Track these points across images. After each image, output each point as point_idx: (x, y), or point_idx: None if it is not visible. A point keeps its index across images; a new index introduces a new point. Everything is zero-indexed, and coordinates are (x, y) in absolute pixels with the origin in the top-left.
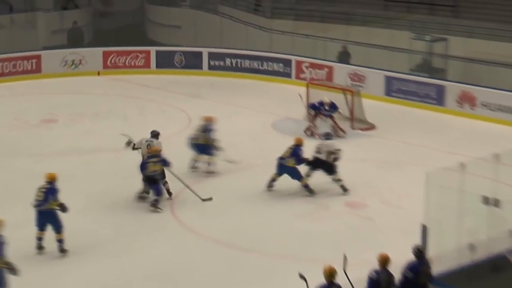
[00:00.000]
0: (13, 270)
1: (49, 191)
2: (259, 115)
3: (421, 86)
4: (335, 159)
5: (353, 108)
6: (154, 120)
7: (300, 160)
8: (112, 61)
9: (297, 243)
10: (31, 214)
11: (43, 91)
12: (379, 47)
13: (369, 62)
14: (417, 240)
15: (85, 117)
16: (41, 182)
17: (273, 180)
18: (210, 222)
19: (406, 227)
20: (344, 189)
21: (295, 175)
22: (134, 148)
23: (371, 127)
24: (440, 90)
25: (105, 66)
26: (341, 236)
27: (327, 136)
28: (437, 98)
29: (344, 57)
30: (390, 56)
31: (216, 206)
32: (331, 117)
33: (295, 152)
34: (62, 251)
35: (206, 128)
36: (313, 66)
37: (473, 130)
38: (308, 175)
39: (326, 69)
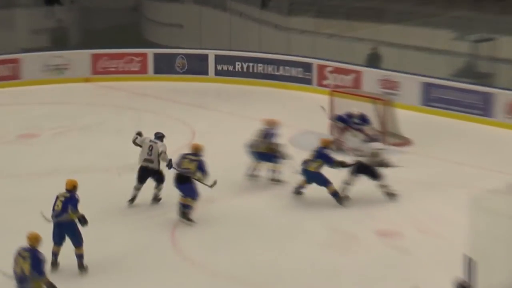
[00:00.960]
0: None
1: (69, 200)
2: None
3: (464, 94)
4: (382, 162)
5: (385, 120)
6: (152, 134)
7: (329, 161)
8: (103, 65)
9: (320, 280)
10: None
11: (22, 100)
12: (415, 49)
13: (403, 66)
14: (460, 275)
15: (71, 131)
16: (20, 207)
17: (301, 187)
18: (217, 253)
19: (448, 260)
20: (391, 195)
21: (319, 180)
22: (135, 143)
23: (406, 142)
24: (487, 99)
25: (94, 71)
26: (372, 272)
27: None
28: (484, 108)
29: (374, 61)
30: (428, 59)
31: (225, 232)
32: (362, 131)
33: (320, 154)
34: (82, 267)
35: (268, 133)
36: (337, 71)
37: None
38: (348, 183)
39: (353, 75)
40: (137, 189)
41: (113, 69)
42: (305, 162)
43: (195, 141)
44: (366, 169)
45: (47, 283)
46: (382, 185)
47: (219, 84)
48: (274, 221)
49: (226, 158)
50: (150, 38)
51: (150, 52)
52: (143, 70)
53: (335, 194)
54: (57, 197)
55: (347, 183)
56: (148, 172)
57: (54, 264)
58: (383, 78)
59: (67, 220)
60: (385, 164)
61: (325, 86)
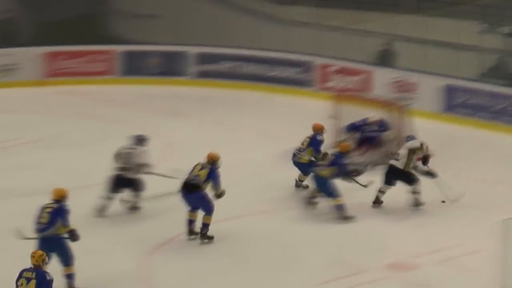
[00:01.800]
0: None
1: (57, 211)
2: (267, 141)
3: (495, 99)
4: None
5: (400, 130)
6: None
7: (342, 168)
8: (60, 66)
9: None
10: None
11: None
12: (436, 44)
13: (422, 64)
14: None
15: (23, 145)
16: None
17: (313, 196)
18: None
19: None
20: (418, 204)
21: (326, 189)
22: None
23: (426, 155)
24: None
25: (49, 73)
26: None
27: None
28: None
29: (387, 58)
30: (452, 56)
31: (207, 264)
32: (376, 145)
33: (335, 161)
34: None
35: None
36: (343, 71)
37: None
38: (382, 191)
39: (361, 76)
40: (108, 198)
41: (72, 71)
42: (316, 166)
43: (175, 155)
44: (400, 174)
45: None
46: (416, 191)
47: (201, 88)
48: (267, 249)
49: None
50: (117, 32)
51: (117, 49)
52: (109, 71)
53: (339, 207)
54: (42, 208)
55: (381, 191)
56: (124, 181)
57: None
58: (398, 80)
59: (54, 235)
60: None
61: (328, 89)
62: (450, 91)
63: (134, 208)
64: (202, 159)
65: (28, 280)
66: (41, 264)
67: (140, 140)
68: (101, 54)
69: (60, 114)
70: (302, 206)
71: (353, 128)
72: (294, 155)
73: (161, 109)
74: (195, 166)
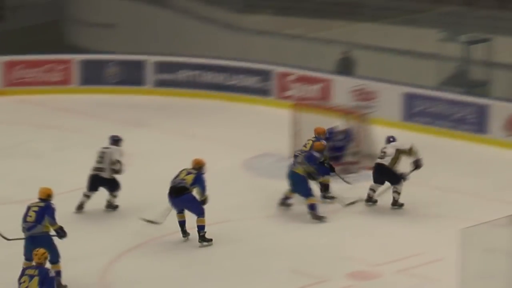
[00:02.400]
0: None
1: (44, 210)
2: (226, 151)
3: (454, 107)
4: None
5: (359, 139)
6: (79, 158)
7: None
8: (17, 75)
9: None
10: None
11: None
12: (396, 52)
13: (381, 73)
14: None
15: None
16: None
17: (287, 197)
18: None
19: None
20: (399, 205)
21: (302, 188)
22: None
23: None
24: (482, 112)
25: (6, 82)
26: None
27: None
28: (478, 123)
29: (346, 67)
30: (411, 64)
31: (166, 275)
32: (341, 157)
33: (310, 157)
34: (60, 286)
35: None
36: (302, 79)
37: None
38: (373, 189)
39: (321, 84)
40: (86, 196)
41: (30, 80)
42: (293, 164)
43: (135, 164)
44: (386, 172)
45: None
46: (397, 191)
47: (160, 97)
48: (230, 258)
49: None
50: (75, 41)
51: (75, 58)
52: (67, 80)
53: (312, 207)
54: (28, 208)
55: (372, 189)
56: (99, 180)
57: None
58: (357, 88)
59: (41, 233)
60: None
61: (287, 98)
62: (410, 99)
63: (111, 207)
64: (157, 169)
65: (31, 277)
66: (43, 261)
67: (115, 141)
68: (60, 63)
69: (19, 123)
70: (276, 207)
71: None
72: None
73: (120, 118)
74: (181, 171)
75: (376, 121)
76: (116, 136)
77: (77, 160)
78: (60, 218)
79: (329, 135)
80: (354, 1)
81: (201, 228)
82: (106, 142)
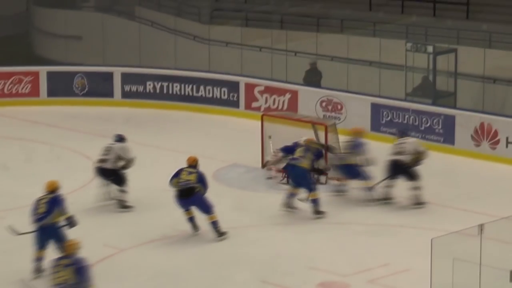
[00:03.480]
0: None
1: (54, 201)
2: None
3: (421, 117)
4: (418, 161)
5: (327, 150)
6: (47, 170)
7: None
8: None
9: None
10: None
11: None
12: (363, 63)
13: (348, 84)
14: None
15: None
16: None
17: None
18: None
19: None
20: (421, 203)
21: (305, 181)
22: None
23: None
24: (448, 122)
25: None
26: None
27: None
28: (444, 133)
29: (313, 78)
30: (378, 75)
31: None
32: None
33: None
34: None
35: (355, 144)
36: (269, 90)
37: (495, 178)
38: (390, 186)
39: (288, 95)
40: (103, 186)
41: None
42: (295, 158)
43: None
44: (404, 169)
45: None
46: (417, 188)
47: (127, 108)
48: (195, 269)
49: (140, 197)
50: (42, 53)
51: (42, 70)
52: (34, 92)
53: (315, 201)
54: (38, 200)
55: (388, 186)
56: (103, 172)
57: (38, 270)
58: (324, 99)
59: (51, 223)
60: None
61: (254, 109)
62: (376, 110)
63: (123, 206)
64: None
65: (66, 266)
66: (75, 251)
67: (120, 139)
68: (26, 75)
69: None
70: (282, 211)
71: (285, 150)
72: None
73: (88, 130)
74: (181, 172)
75: (342, 132)
76: (121, 135)
77: (45, 172)
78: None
79: (294, 147)
80: (321, 12)
81: (215, 223)
82: (75, 154)
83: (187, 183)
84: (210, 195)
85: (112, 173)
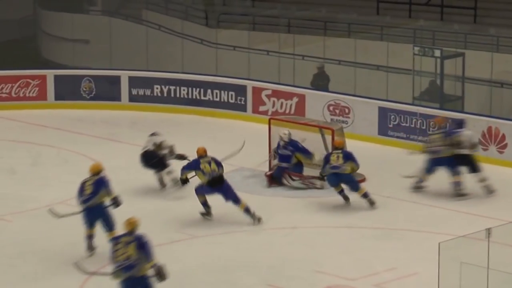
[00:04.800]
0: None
1: (100, 182)
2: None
3: (428, 121)
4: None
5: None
6: (54, 173)
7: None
8: None
9: None
10: None
11: None
12: (370, 67)
13: (356, 88)
14: None
15: None
16: None
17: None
18: None
19: None
20: (491, 191)
21: (353, 184)
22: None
23: (359, 179)
24: None
25: None
26: None
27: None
28: None
29: (320, 82)
30: (385, 79)
31: None
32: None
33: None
34: None
35: (451, 130)
36: (277, 94)
37: (503, 181)
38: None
39: (295, 99)
40: (157, 174)
41: (4, 95)
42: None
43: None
44: (469, 161)
45: (156, 266)
46: (484, 179)
47: (134, 112)
48: (200, 274)
49: (144, 201)
50: (49, 56)
51: (50, 73)
52: (41, 96)
53: (366, 194)
54: (84, 182)
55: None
56: (149, 155)
57: (90, 248)
58: (332, 103)
59: (98, 204)
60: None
61: (262, 113)
62: (384, 114)
63: (176, 183)
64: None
65: (127, 244)
66: (135, 229)
67: (155, 135)
68: (34, 78)
69: None
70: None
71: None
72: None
73: (95, 133)
74: (204, 164)
75: (350, 136)
76: (154, 132)
77: (52, 176)
78: (39, 232)
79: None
80: (328, 16)
81: (248, 210)
82: (81, 158)
83: (215, 172)
84: (216, 199)
85: (156, 156)
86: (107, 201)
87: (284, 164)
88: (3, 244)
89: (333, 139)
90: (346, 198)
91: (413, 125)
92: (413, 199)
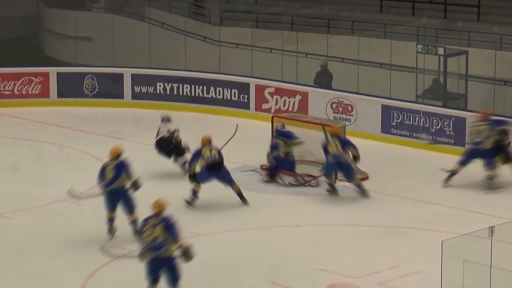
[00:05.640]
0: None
1: (121, 166)
2: None
3: (432, 119)
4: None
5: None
6: (56, 171)
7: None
8: None
9: None
10: None
11: None
12: (373, 65)
13: (359, 86)
14: None
15: None
16: None
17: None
18: None
19: None
20: None
21: (351, 172)
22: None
23: (362, 177)
24: (459, 125)
25: None
26: None
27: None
28: (455, 136)
29: (323, 79)
30: (388, 77)
31: None
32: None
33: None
34: (137, 232)
35: (497, 120)
36: (280, 92)
37: (507, 180)
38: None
39: (298, 96)
40: (175, 160)
41: (7, 93)
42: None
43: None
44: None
45: (183, 246)
46: None
47: (137, 109)
48: (203, 272)
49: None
50: (52, 53)
51: (52, 71)
52: (44, 93)
53: (360, 185)
54: (104, 166)
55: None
56: (164, 142)
57: (111, 230)
58: (335, 101)
59: (119, 187)
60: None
61: (265, 110)
62: (387, 112)
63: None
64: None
65: (154, 225)
66: (162, 211)
67: (168, 120)
68: (36, 76)
69: None
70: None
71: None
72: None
73: (97, 131)
74: (205, 150)
75: (353, 134)
76: (165, 116)
77: (54, 173)
78: (41, 230)
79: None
80: (331, 14)
81: (240, 193)
82: (84, 155)
83: (215, 158)
84: (219, 196)
85: (171, 143)
86: (127, 184)
87: (274, 153)
88: (4, 241)
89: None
90: (335, 190)
91: (416, 123)
92: (416, 197)
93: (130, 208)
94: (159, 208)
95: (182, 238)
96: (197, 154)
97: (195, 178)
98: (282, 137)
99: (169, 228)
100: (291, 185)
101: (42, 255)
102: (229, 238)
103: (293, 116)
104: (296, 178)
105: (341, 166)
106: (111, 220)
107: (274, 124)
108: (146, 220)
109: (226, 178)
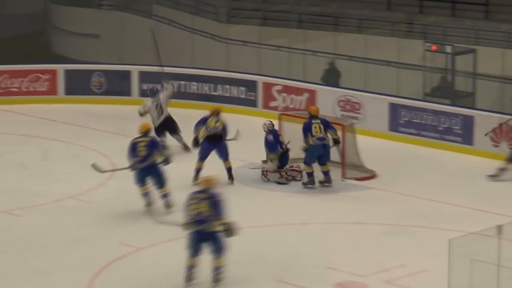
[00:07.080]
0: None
1: (153, 144)
2: (212, 161)
3: (439, 118)
4: None
5: (345, 149)
6: (64, 168)
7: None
8: (2, 85)
9: None
10: None
11: None
12: (381, 63)
13: (367, 84)
14: None
15: None
16: None
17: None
18: None
19: None
20: None
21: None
22: (142, 115)
23: (370, 175)
24: (467, 123)
25: None
26: None
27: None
28: (463, 134)
29: (331, 77)
30: (396, 75)
31: None
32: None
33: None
34: (169, 205)
35: None
36: (287, 90)
37: None
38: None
39: (306, 94)
40: (178, 140)
41: (14, 90)
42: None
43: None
44: None
45: (226, 224)
46: None
47: None
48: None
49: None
50: (59, 51)
51: (60, 68)
52: (51, 90)
53: (327, 173)
54: (136, 143)
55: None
56: (168, 121)
57: (149, 203)
58: (343, 99)
59: (152, 163)
60: None
61: (272, 108)
62: (395, 110)
63: (185, 148)
64: None
65: (200, 200)
66: (211, 187)
67: (157, 91)
68: (44, 73)
69: (4, 133)
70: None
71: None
72: None
73: (104, 128)
74: (210, 119)
75: (361, 132)
76: (153, 89)
77: (62, 170)
78: (48, 227)
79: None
80: (338, 12)
81: (230, 169)
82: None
83: (217, 130)
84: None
85: (170, 119)
86: (159, 160)
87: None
88: (12, 238)
89: (343, 135)
90: (313, 182)
91: (424, 121)
92: (423, 196)
93: (161, 182)
94: (208, 184)
95: (227, 216)
96: (203, 121)
97: (198, 143)
98: (266, 147)
99: (215, 205)
100: (277, 183)
101: (49, 252)
102: (236, 235)
103: (301, 114)
104: (280, 174)
105: (325, 149)
106: (145, 195)
107: (263, 126)
108: (194, 194)
109: (223, 151)
